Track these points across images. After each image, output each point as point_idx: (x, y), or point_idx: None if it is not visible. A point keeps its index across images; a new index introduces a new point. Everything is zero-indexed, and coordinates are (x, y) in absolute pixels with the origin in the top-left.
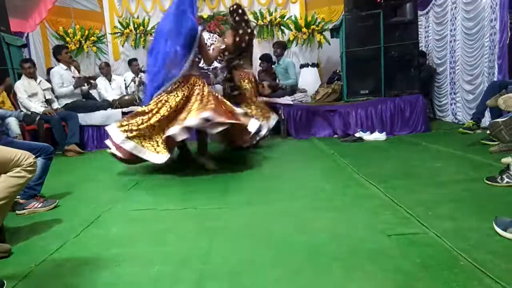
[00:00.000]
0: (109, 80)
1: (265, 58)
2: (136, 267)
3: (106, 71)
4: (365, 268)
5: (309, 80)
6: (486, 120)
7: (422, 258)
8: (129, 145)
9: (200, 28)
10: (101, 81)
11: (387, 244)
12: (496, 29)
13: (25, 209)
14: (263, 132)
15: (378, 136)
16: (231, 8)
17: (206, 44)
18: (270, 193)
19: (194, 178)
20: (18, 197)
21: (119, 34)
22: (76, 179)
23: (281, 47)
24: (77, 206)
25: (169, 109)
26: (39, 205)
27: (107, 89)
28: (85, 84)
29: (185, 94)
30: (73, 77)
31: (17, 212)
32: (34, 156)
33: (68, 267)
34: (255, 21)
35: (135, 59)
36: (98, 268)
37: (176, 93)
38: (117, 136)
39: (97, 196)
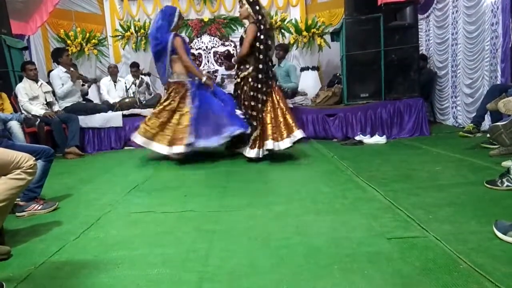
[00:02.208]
0: (115, 82)
1: None
2: (136, 270)
3: (114, 71)
4: (365, 272)
5: (310, 83)
6: (486, 123)
7: (422, 261)
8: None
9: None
10: (105, 82)
11: (386, 247)
12: (498, 33)
13: (25, 211)
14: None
15: (378, 139)
16: None
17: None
18: (269, 195)
19: (193, 181)
20: (18, 199)
21: (120, 37)
22: (76, 182)
23: (284, 49)
24: (77, 209)
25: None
26: (39, 207)
27: (110, 91)
28: (82, 78)
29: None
30: (67, 72)
31: (17, 214)
32: (34, 159)
33: (67, 270)
34: None
35: (136, 65)
36: (98, 271)
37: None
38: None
39: (97, 199)
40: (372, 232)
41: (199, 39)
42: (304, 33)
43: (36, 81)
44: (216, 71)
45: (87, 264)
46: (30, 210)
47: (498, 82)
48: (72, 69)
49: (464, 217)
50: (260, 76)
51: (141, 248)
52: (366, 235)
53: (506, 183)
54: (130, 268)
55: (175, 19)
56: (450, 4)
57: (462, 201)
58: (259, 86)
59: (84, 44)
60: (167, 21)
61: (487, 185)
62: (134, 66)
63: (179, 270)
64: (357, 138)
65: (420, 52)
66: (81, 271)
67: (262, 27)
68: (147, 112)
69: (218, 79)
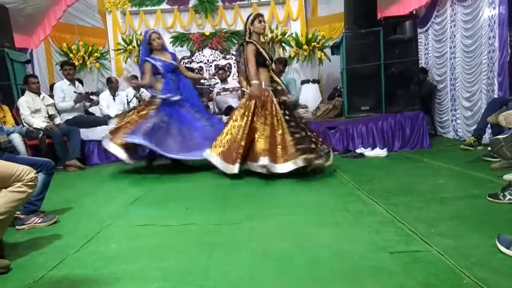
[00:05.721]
0: (114, 96)
1: None
2: (136, 284)
3: (114, 87)
4: (367, 286)
5: (310, 96)
6: (487, 136)
7: (425, 276)
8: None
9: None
10: (104, 97)
11: (389, 262)
12: (495, 47)
13: (25, 224)
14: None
15: (379, 152)
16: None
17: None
18: (270, 208)
19: (194, 194)
20: (18, 212)
21: (122, 50)
22: (76, 195)
23: (282, 63)
24: (77, 222)
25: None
26: (39, 220)
27: (109, 105)
28: (86, 101)
29: None
30: (75, 92)
31: (17, 227)
32: (35, 171)
33: (66, 284)
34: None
35: (137, 78)
36: (97, 285)
37: None
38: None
39: (98, 212)
40: (374, 246)
41: (200, 52)
42: (305, 46)
43: (38, 94)
44: (217, 83)
45: (87, 278)
46: (30, 223)
47: (496, 96)
48: (81, 90)
49: (466, 231)
50: None
51: (142, 262)
52: (368, 249)
53: (508, 197)
54: (130, 282)
55: (145, 43)
56: (448, 18)
57: (465, 215)
58: None
59: (86, 58)
60: (144, 47)
61: (489, 199)
62: (135, 79)
63: (179, 284)
64: (358, 150)
65: (420, 66)
66: (80, 285)
67: None
68: None
69: (217, 90)
